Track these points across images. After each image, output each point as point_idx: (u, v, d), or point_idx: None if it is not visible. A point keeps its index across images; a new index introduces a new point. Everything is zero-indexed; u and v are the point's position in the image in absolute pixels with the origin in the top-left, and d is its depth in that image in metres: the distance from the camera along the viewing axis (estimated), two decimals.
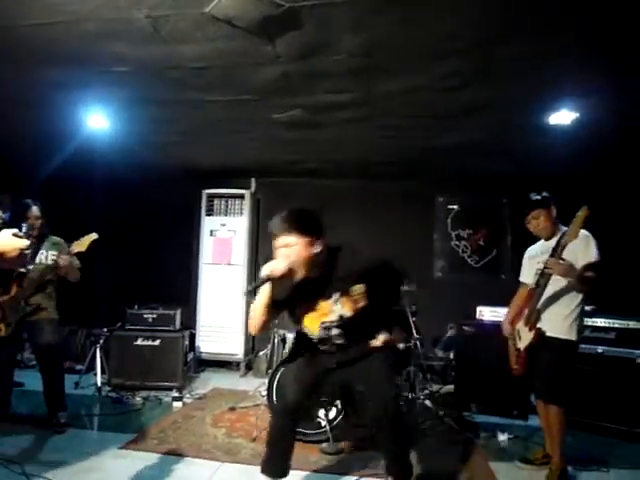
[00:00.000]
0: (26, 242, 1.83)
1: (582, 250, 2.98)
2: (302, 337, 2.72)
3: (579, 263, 2.94)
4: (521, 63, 2.87)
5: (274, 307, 2.48)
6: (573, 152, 4.41)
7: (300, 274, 2.45)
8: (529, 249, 3.42)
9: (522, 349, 3.13)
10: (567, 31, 2.50)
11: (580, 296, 3.03)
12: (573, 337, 3.01)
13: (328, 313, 2.53)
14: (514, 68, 2.95)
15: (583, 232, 2.99)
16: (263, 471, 2.65)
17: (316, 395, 2.82)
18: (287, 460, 2.66)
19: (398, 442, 2.64)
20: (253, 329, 2.55)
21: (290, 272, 2.40)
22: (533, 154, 4.73)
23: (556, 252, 2.95)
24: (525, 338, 3.13)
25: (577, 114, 3.56)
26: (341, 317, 2.53)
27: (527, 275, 3.34)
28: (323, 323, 2.55)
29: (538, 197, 3.18)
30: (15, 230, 1.85)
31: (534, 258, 3.28)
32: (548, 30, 2.50)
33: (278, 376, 3.58)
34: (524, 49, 2.70)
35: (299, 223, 2.43)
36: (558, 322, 3.03)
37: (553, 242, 3.06)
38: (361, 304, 2.52)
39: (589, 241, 3.00)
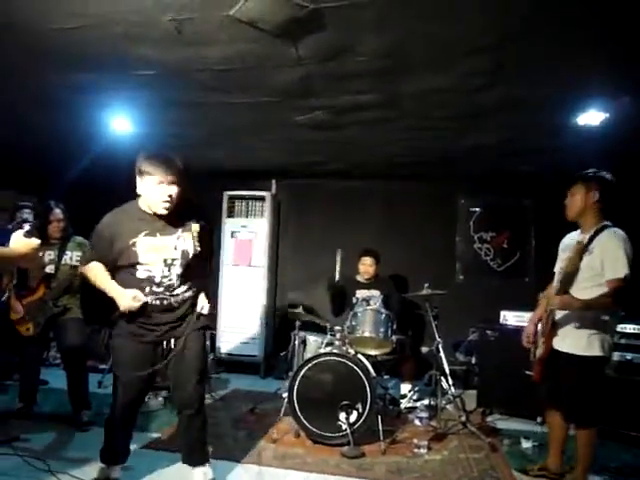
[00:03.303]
0: (37, 241, 1.87)
1: (610, 260, 2.66)
2: (135, 281, 2.59)
3: (605, 274, 2.67)
4: (547, 62, 2.82)
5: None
6: (601, 153, 4.31)
7: (165, 212, 2.57)
8: (565, 237, 3.05)
9: (537, 359, 2.96)
10: (596, 29, 2.44)
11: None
12: (595, 352, 2.70)
13: (170, 249, 2.60)
14: (540, 67, 2.90)
15: (615, 233, 2.72)
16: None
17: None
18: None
19: (200, 429, 2.74)
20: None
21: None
22: (559, 155, 4.63)
23: (583, 254, 2.73)
24: (540, 348, 2.94)
25: (607, 114, 3.48)
26: (183, 252, 2.62)
27: (558, 267, 3.02)
28: (165, 260, 2.59)
29: (588, 173, 2.85)
30: (23, 231, 1.89)
31: (564, 251, 2.97)
32: (576, 28, 2.45)
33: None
34: (550, 47, 2.65)
35: (168, 162, 2.57)
36: (575, 336, 2.77)
37: (585, 237, 2.80)
38: (197, 246, 2.65)
39: (617, 251, 2.66)
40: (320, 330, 4.87)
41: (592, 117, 3.56)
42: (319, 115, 3.80)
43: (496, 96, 3.34)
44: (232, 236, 6.00)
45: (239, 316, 5.87)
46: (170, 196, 2.54)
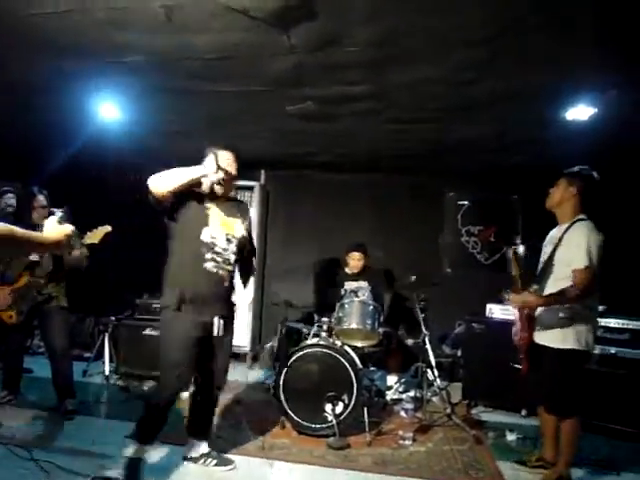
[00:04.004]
0: (71, 227, 1.86)
1: (573, 251, 2.76)
2: (199, 242, 2.77)
3: (571, 266, 2.75)
4: (538, 56, 2.82)
5: (189, 189, 2.78)
6: (589, 149, 4.33)
7: (220, 192, 2.86)
8: (547, 237, 3.13)
9: (520, 351, 3.05)
10: (585, 23, 2.45)
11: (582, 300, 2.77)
12: (569, 345, 2.77)
13: (233, 229, 2.88)
14: (530, 61, 2.90)
15: (580, 226, 2.81)
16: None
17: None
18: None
19: (212, 410, 3.10)
20: (159, 185, 2.74)
21: (227, 182, 2.85)
22: (547, 150, 4.65)
23: (555, 249, 2.88)
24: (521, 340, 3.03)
25: (595, 109, 3.49)
26: (242, 237, 2.90)
27: (541, 261, 3.10)
28: (227, 234, 2.86)
29: (575, 169, 2.96)
30: (56, 217, 1.87)
31: (546, 246, 3.06)
32: (566, 22, 2.45)
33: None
34: (541, 41, 2.65)
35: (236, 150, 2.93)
36: (551, 330, 2.85)
37: (559, 232, 2.91)
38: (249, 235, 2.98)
39: (579, 243, 2.75)
40: (307, 321, 4.87)
41: (581, 112, 3.58)
42: (310, 105, 3.77)
43: (486, 89, 3.34)
44: None
45: None
46: (230, 175, 2.85)
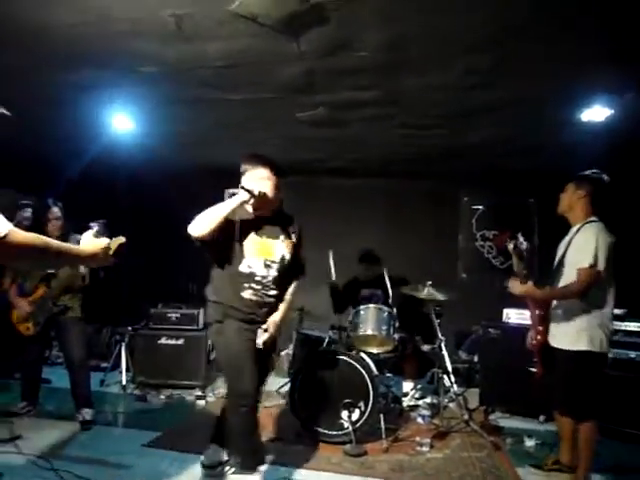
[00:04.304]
0: (107, 240, 1.90)
1: (580, 250, 2.78)
2: (237, 273, 2.73)
3: (577, 265, 2.77)
4: (550, 58, 2.80)
5: (225, 224, 2.64)
6: (605, 150, 4.29)
7: (260, 211, 2.76)
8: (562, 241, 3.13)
9: (535, 353, 3.07)
10: (598, 24, 2.42)
11: (593, 302, 2.77)
12: (582, 347, 2.74)
13: (272, 252, 2.78)
14: (543, 63, 2.88)
15: (590, 227, 2.83)
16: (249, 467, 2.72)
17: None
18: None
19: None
20: (196, 229, 2.66)
21: (263, 201, 2.69)
22: (562, 152, 4.60)
23: (567, 249, 2.90)
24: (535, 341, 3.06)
25: (612, 111, 3.45)
26: (282, 258, 2.80)
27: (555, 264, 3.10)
28: (266, 260, 2.75)
29: (580, 174, 2.97)
30: (93, 231, 1.91)
31: (558, 250, 3.07)
32: (578, 23, 2.43)
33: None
34: (553, 43, 2.63)
35: (277, 164, 2.79)
36: (563, 332, 2.85)
37: (570, 235, 2.94)
38: (293, 251, 2.85)
39: (587, 243, 2.77)
40: (322, 328, 4.86)
41: (597, 113, 3.53)
42: (320, 111, 3.78)
43: (499, 93, 3.33)
44: None
45: None
46: (273, 191, 2.72)
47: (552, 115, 3.70)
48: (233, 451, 2.82)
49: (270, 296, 2.82)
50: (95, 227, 1.94)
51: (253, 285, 2.75)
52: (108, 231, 2.03)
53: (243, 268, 2.74)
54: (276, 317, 2.83)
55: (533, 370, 3.11)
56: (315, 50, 2.77)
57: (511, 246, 3.04)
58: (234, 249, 2.73)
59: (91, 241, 1.86)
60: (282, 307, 2.88)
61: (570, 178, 3.03)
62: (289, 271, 2.89)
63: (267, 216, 2.81)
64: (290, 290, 2.95)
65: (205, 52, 2.84)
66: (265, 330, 2.77)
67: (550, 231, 3.23)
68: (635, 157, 4.57)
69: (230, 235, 2.72)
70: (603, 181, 2.95)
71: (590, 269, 2.71)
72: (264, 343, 2.75)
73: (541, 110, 3.63)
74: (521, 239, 3.08)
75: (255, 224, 2.78)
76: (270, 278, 2.78)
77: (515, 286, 2.99)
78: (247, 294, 2.75)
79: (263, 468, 2.81)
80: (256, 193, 2.62)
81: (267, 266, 2.77)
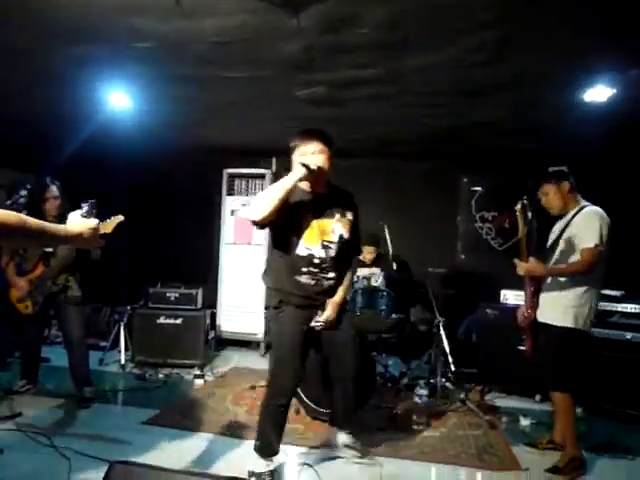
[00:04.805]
0: (95, 221, 1.85)
1: (583, 231, 2.88)
2: (295, 257, 2.67)
3: (580, 245, 2.87)
4: (552, 36, 2.75)
5: (280, 206, 2.51)
6: (607, 130, 4.25)
7: (316, 188, 2.67)
8: (555, 225, 3.26)
9: (524, 330, 3.18)
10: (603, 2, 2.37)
11: (585, 282, 2.89)
12: (569, 324, 2.88)
13: (329, 232, 2.69)
14: (545, 42, 2.83)
15: (591, 210, 2.94)
16: (266, 454, 2.76)
17: (305, 351, 2.82)
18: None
19: (349, 395, 2.91)
20: (256, 213, 2.50)
21: (319, 175, 2.59)
22: (563, 133, 4.57)
23: (563, 231, 3.00)
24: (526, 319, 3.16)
25: (614, 90, 3.40)
26: (341, 237, 2.71)
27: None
28: (324, 241, 2.67)
29: (548, 172, 3.12)
30: (81, 211, 1.87)
31: (552, 234, 3.18)
32: (582, 2, 2.38)
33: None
34: (556, 22, 2.58)
35: (328, 136, 2.70)
36: (552, 308, 2.98)
37: (567, 218, 3.04)
38: (351, 230, 2.76)
39: (592, 223, 2.86)
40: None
41: (599, 93, 3.48)
42: (320, 89, 3.73)
43: (500, 72, 3.28)
44: (232, 214, 5.96)
45: (239, 294, 5.87)
46: (325, 164, 2.60)
47: (554, 95, 3.66)
48: (257, 433, 2.81)
49: (329, 279, 2.75)
50: (85, 207, 1.89)
51: (311, 269, 2.69)
52: (97, 211, 1.98)
53: (300, 251, 2.67)
54: (336, 298, 2.78)
55: (522, 348, 3.22)
56: (315, 26, 2.72)
57: (518, 206, 3.08)
58: (291, 231, 2.66)
59: (79, 221, 1.81)
60: (341, 289, 2.81)
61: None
62: (347, 251, 2.81)
63: (322, 194, 2.71)
64: (348, 271, 2.88)
65: (204, 28, 2.79)
66: (322, 313, 2.75)
67: (548, 213, 3.23)
68: (635, 137, 4.53)
69: (286, 217, 2.60)
70: (567, 171, 3.15)
71: (595, 248, 2.82)
72: (324, 324, 2.75)
73: (543, 90, 3.59)
74: (526, 201, 3.14)
75: (311, 204, 2.68)
76: (329, 260, 2.70)
77: (521, 266, 3.04)
78: (304, 278, 2.69)
79: (274, 459, 2.80)
80: (313, 167, 2.52)
81: (325, 247, 2.69)
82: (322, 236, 2.67)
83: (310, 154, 2.59)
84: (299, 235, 2.65)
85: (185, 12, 2.61)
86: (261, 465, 2.73)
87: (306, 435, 3.37)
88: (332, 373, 2.95)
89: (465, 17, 2.59)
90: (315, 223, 2.66)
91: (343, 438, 3.02)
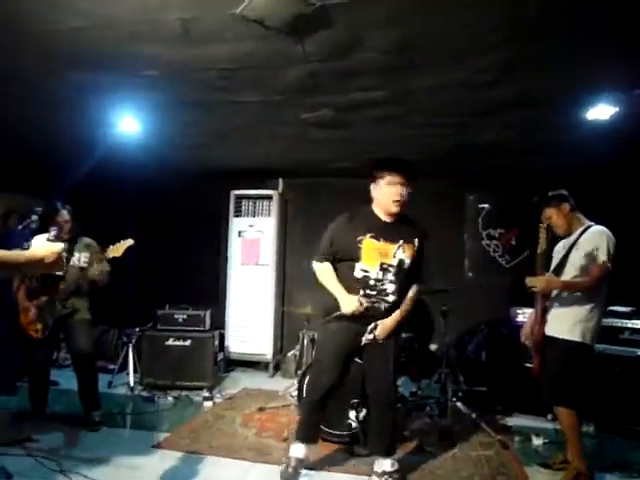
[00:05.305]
0: (61, 245, 1.82)
1: (591, 249, 2.96)
2: (352, 279, 2.83)
3: (589, 263, 2.95)
4: (556, 57, 2.79)
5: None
6: (611, 147, 4.27)
7: (386, 217, 2.86)
8: (558, 244, 3.35)
9: (533, 347, 3.19)
10: (604, 22, 2.41)
11: (593, 298, 2.96)
12: (576, 338, 2.94)
13: (389, 256, 2.79)
14: (549, 63, 2.86)
15: (597, 229, 3.03)
16: (297, 438, 3.04)
17: (347, 361, 2.98)
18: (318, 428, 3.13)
19: (386, 421, 2.97)
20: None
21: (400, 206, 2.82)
22: (568, 150, 4.59)
23: (570, 251, 3.07)
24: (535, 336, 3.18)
25: (617, 108, 3.43)
26: (400, 262, 2.80)
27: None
28: (383, 264, 2.78)
29: (546, 197, 3.21)
30: (48, 235, 1.87)
31: (557, 254, 3.26)
32: (584, 22, 2.41)
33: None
34: (559, 43, 2.62)
35: (408, 167, 2.89)
36: (560, 322, 3.02)
37: (573, 238, 3.11)
38: (415, 257, 2.84)
39: (600, 241, 2.95)
40: None
41: (602, 112, 3.51)
42: (326, 113, 3.78)
43: (505, 93, 3.31)
44: (239, 235, 6.00)
45: (247, 315, 5.88)
46: (401, 195, 2.79)
47: (559, 114, 3.68)
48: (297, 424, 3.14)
49: (386, 302, 2.84)
50: (52, 231, 1.89)
51: (368, 291, 2.80)
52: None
53: (358, 273, 2.81)
54: (387, 321, 2.84)
55: (530, 365, 3.26)
56: (320, 52, 2.76)
57: (545, 225, 3.14)
58: (351, 252, 2.81)
59: (43, 245, 1.79)
60: (396, 312, 2.87)
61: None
62: (408, 277, 2.87)
63: (389, 220, 2.87)
64: (409, 295, 2.92)
65: (211, 55, 2.85)
66: (375, 328, 2.82)
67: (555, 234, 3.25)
68: (639, 155, 4.54)
69: (348, 236, 2.83)
70: (566, 193, 3.22)
71: (603, 265, 2.91)
72: (370, 342, 2.82)
73: (548, 109, 3.61)
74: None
75: (374, 227, 2.83)
76: (387, 282, 2.80)
77: (537, 281, 3.07)
78: (363, 300, 2.80)
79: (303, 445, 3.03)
80: (355, 309, 2.76)
81: (384, 270, 2.79)
82: (381, 258, 2.79)
83: (384, 185, 2.81)
84: (357, 259, 2.80)
85: (193, 40, 2.67)
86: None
87: (316, 458, 3.33)
88: (369, 396, 3.04)
89: (470, 41, 2.63)
90: (374, 247, 2.79)
91: (386, 465, 2.97)
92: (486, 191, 5.99)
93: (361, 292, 2.80)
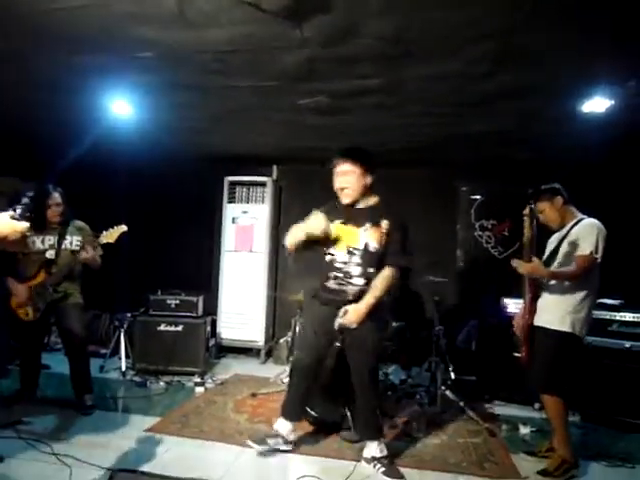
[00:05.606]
0: (26, 225, 1.80)
1: (580, 240, 2.99)
2: (323, 264, 2.97)
3: (576, 253, 2.99)
4: (552, 48, 2.78)
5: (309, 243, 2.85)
6: (605, 140, 4.29)
7: (347, 200, 2.90)
8: (551, 237, 3.37)
9: (521, 336, 3.23)
10: (600, 13, 2.41)
11: (584, 289, 2.99)
12: (566, 329, 2.98)
13: (356, 239, 2.85)
14: (545, 54, 2.86)
15: (588, 221, 3.06)
16: (280, 414, 3.19)
17: (325, 343, 3.06)
18: (302, 407, 3.26)
19: (369, 406, 3.03)
20: (289, 245, 2.87)
21: (324, 237, 2.81)
22: (562, 143, 4.61)
23: (561, 242, 3.10)
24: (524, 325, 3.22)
25: (612, 102, 3.44)
26: (366, 245, 2.85)
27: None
28: (349, 247, 2.86)
29: (539, 190, 3.23)
30: (12, 212, 1.82)
31: (550, 245, 3.29)
32: (580, 13, 2.41)
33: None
34: (555, 34, 2.62)
35: (356, 154, 2.89)
36: (550, 312, 3.05)
37: (565, 231, 3.13)
38: (383, 240, 2.84)
39: (589, 233, 2.98)
40: None
41: (597, 104, 3.52)
42: (322, 99, 3.76)
43: (499, 83, 3.31)
44: (233, 222, 5.99)
45: (240, 302, 5.89)
46: (345, 183, 2.88)
47: (554, 106, 3.69)
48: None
49: (353, 284, 2.88)
50: (18, 209, 1.86)
51: (336, 273, 2.89)
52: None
53: (327, 257, 2.92)
54: (358, 305, 2.84)
55: (518, 355, 3.28)
56: (318, 37, 2.74)
57: (527, 210, 3.12)
58: (322, 237, 2.86)
59: (6, 222, 1.76)
60: (367, 295, 2.85)
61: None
62: (376, 260, 2.87)
63: (359, 206, 2.93)
64: (380, 279, 2.88)
65: (207, 38, 2.81)
66: (345, 313, 2.84)
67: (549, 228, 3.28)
68: (634, 147, 4.57)
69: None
70: (558, 187, 3.24)
71: (589, 256, 2.94)
72: (343, 326, 2.84)
73: (544, 101, 3.62)
74: (534, 207, 3.19)
75: (344, 212, 2.91)
76: (352, 265, 2.86)
77: (521, 265, 3.08)
78: (331, 283, 2.92)
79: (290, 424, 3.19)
80: (317, 233, 2.78)
81: (350, 253, 2.86)
82: (347, 242, 2.86)
83: (339, 174, 2.90)
84: (326, 243, 2.89)
85: (189, 22, 2.64)
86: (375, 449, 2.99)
87: (307, 444, 3.37)
88: (352, 381, 3.07)
89: (465, 30, 2.62)
90: (341, 230, 2.86)
91: (373, 450, 3.02)
92: (479, 182, 6.00)
93: (331, 274, 2.89)
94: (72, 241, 3.81)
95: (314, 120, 4.33)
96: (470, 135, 4.57)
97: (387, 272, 2.88)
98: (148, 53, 3.05)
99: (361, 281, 2.87)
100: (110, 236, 3.67)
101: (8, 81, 3.67)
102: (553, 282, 3.09)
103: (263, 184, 5.99)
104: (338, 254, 2.89)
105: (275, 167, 6.30)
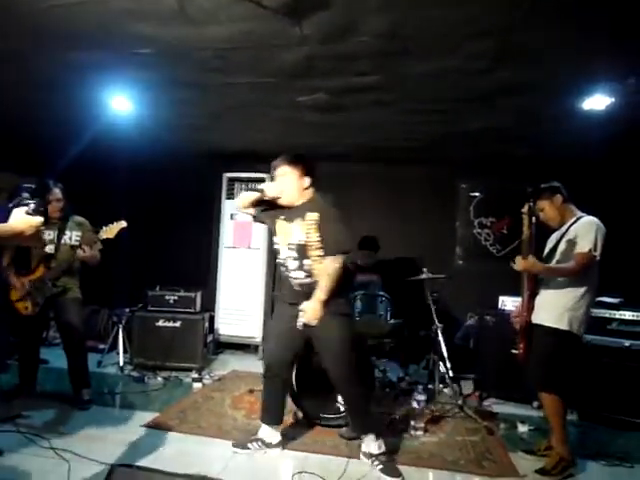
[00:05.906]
0: (40, 219, 1.80)
1: (579, 238, 2.99)
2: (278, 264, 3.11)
3: (575, 250, 2.98)
4: (551, 45, 2.78)
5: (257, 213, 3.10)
6: (604, 137, 4.28)
7: (285, 200, 2.97)
8: (552, 235, 3.36)
9: (519, 332, 3.22)
10: (598, 11, 2.40)
11: (582, 287, 2.99)
12: (564, 326, 2.97)
13: (291, 235, 2.94)
14: (544, 50, 2.85)
15: (587, 219, 3.05)
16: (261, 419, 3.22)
17: (293, 344, 3.10)
18: (280, 410, 3.23)
19: (355, 403, 3.06)
20: (238, 205, 3.15)
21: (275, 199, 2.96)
22: (562, 140, 4.60)
23: (560, 240, 3.10)
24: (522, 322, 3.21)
25: (612, 99, 3.44)
26: (297, 239, 2.92)
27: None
28: (288, 243, 2.95)
29: (539, 189, 3.22)
30: (27, 208, 1.82)
31: (549, 243, 3.29)
32: (578, 11, 2.40)
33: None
34: (555, 31, 2.61)
35: (293, 158, 3.00)
36: (548, 310, 3.05)
37: (564, 229, 3.13)
38: (313, 235, 2.87)
39: (588, 230, 2.98)
40: None
41: (597, 102, 3.52)
42: (321, 96, 3.75)
43: (499, 80, 3.30)
44: (231, 218, 5.98)
45: (238, 298, 5.88)
46: (281, 189, 2.95)
47: (553, 103, 3.69)
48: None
49: (294, 278, 2.96)
50: (32, 205, 1.86)
51: (284, 271, 3.00)
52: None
53: (275, 249, 3.05)
54: (310, 302, 2.82)
55: (516, 352, 3.25)
56: (317, 35, 2.74)
57: (525, 208, 3.14)
58: (271, 231, 3.08)
59: (22, 218, 1.77)
60: (316, 290, 2.83)
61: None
62: (311, 252, 2.89)
63: (296, 204, 2.99)
64: (322, 270, 2.85)
65: (207, 35, 2.80)
66: (302, 312, 2.85)
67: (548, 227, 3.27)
68: (633, 144, 4.56)
69: (269, 218, 3.06)
70: (557, 185, 3.23)
71: (588, 253, 2.93)
72: (305, 324, 2.83)
73: (542, 98, 3.62)
74: (532, 204, 3.19)
75: (285, 211, 2.99)
76: (290, 259, 2.94)
77: (519, 262, 3.09)
78: (286, 281, 3.04)
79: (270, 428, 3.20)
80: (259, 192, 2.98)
81: (289, 249, 2.94)
82: (285, 238, 2.96)
83: (277, 177, 3.00)
84: (273, 238, 3.05)
85: (189, 19, 2.63)
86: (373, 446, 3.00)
87: (304, 440, 3.37)
88: (332, 383, 3.07)
89: (465, 26, 2.61)
90: (280, 227, 2.98)
91: (372, 447, 3.01)
92: (478, 180, 6.00)
93: (283, 270, 3.01)
94: (71, 236, 3.81)
95: (313, 117, 4.32)
96: (469, 132, 4.56)
97: (326, 262, 2.84)
98: (147, 50, 3.05)
99: (301, 274, 2.93)
100: (109, 232, 3.68)
101: (8, 81, 3.68)
102: (551, 279, 3.09)
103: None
104: (282, 250, 2.99)
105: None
